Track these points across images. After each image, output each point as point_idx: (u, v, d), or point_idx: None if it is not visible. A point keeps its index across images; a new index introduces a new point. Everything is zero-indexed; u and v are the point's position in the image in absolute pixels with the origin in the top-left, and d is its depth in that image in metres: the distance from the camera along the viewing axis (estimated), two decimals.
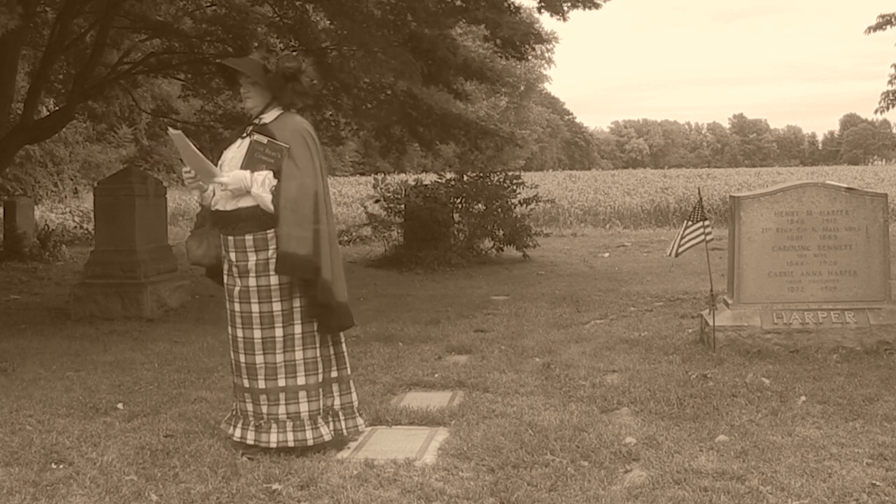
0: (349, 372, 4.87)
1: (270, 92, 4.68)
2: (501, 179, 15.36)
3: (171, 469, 4.37)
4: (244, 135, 4.72)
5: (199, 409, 5.46)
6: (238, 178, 4.53)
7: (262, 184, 4.51)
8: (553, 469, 4.29)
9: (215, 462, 4.45)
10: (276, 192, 4.51)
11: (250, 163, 4.56)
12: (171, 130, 4.62)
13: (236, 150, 4.70)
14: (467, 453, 4.53)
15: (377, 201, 15.56)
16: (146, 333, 8.44)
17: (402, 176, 22.01)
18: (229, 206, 4.61)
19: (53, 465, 4.47)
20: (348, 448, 4.72)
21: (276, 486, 4.13)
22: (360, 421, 4.86)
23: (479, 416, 5.21)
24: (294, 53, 4.85)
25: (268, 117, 4.70)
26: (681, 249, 6.95)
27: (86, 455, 4.61)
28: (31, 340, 8.07)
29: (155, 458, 4.54)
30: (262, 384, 4.61)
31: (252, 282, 4.59)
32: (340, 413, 4.77)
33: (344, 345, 4.86)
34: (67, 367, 6.86)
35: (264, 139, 4.57)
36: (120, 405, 5.63)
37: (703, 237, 6.92)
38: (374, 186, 15.79)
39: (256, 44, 11.93)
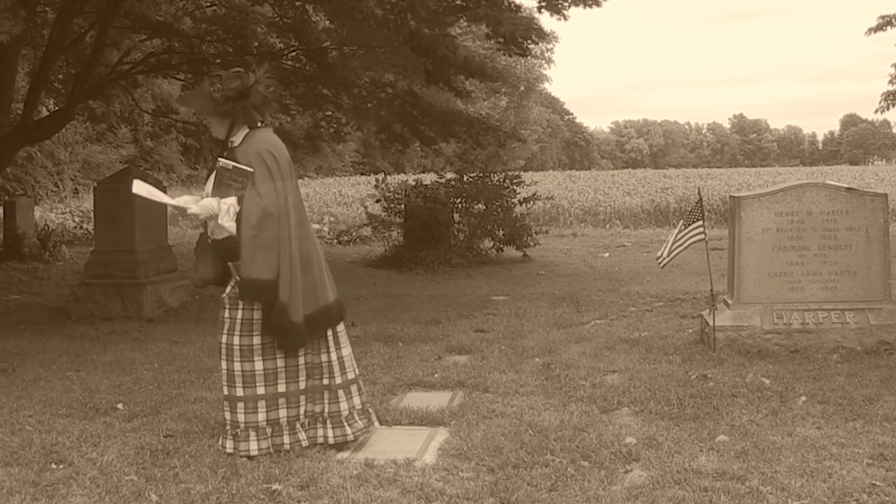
0: (340, 381, 4.74)
1: (226, 117, 4.63)
2: (501, 179, 15.36)
3: (171, 469, 4.37)
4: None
5: (199, 409, 5.46)
6: (206, 207, 4.51)
7: (226, 212, 4.47)
8: (553, 469, 4.29)
9: (215, 462, 4.45)
10: (237, 219, 4.48)
11: (218, 189, 4.53)
12: (135, 184, 4.67)
13: (212, 181, 4.65)
14: (467, 453, 4.53)
15: (377, 201, 15.56)
16: (146, 333, 8.44)
17: (402, 176, 22.01)
18: (216, 236, 4.61)
19: (53, 465, 4.47)
20: (348, 448, 4.72)
21: (276, 486, 4.13)
22: (348, 430, 4.72)
23: (479, 416, 5.21)
24: (238, 70, 4.74)
25: (237, 139, 4.67)
26: (670, 257, 6.93)
27: (86, 455, 4.61)
28: (31, 340, 8.07)
29: (155, 458, 4.54)
30: (239, 391, 4.59)
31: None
32: (328, 421, 4.73)
33: (346, 349, 4.80)
34: (67, 367, 6.86)
35: (230, 164, 4.53)
36: (120, 405, 5.63)
37: (699, 238, 6.90)
38: (376, 186, 15.80)
39: (257, 44, 11.91)
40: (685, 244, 6.91)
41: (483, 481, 4.17)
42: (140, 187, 4.67)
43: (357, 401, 4.82)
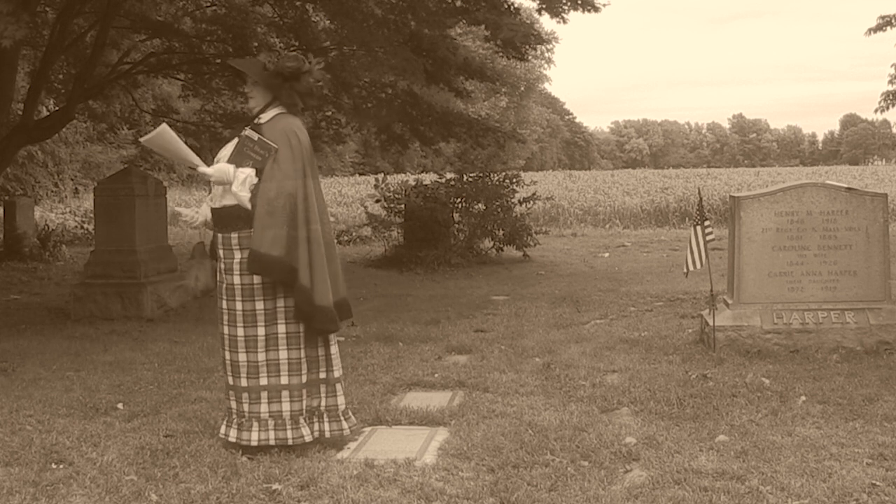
0: (337, 375, 4.82)
1: (270, 91, 4.70)
2: (501, 179, 15.37)
3: (171, 469, 4.38)
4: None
5: (199, 409, 5.46)
6: (222, 170, 4.55)
7: (242, 182, 4.52)
8: (553, 469, 4.29)
9: (215, 462, 4.45)
10: (254, 192, 4.52)
11: (237, 157, 4.58)
12: (163, 127, 4.59)
13: (230, 148, 4.72)
14: (467, 453, 4.53)
15: (377, 201, 15.57)
16: (146, 333, 8.44)
17: (402, 176, 22.01)
18: (216, 204, 4.66)
19: (53, 465, 4.47)
20: (348, 448, 4.72)
21: (276, 486, 4.13)
22: (344, 425, 4.80)
23: (479, 416, 5.21)
24: (297, 54, 4.87)
25: (265, 117, 4.73)
26: (701, 265, 6.90)
27: (86, 455, 4.61)
28: (31, 340, 8.07)
29: (155, 458, 4.54)
30: (244, 382, 4.62)
31: (236, 280, 4.61)
32: (325, 415, 4.77)
33: (334, 347, 4.82)
34: (67, 367, 6.86)
35: (255, 135, 4.60)
36: (120, 405, 5.63)
37: (710, 238, 6.90)
38: (376, 186, 15.81)
39: (257, 44, 11.92)
40: (704, 249, 6.86)
41: (483, 481, 4.17)
42: (166, 131, 4.55)
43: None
